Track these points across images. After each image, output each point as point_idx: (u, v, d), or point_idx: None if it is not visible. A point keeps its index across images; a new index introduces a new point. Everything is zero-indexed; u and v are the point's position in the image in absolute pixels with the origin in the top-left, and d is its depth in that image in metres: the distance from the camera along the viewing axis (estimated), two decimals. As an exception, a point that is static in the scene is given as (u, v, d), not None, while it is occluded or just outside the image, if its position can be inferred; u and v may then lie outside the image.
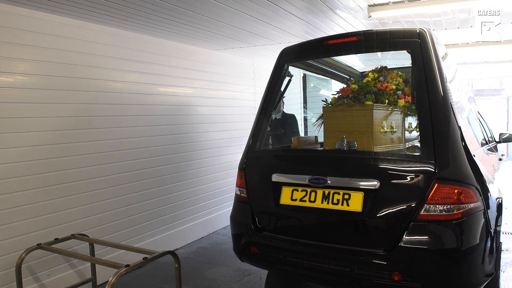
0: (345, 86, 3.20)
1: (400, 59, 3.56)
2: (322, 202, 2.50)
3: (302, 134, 7.06)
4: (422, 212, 2.21)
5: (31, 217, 3.13)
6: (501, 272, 3.04)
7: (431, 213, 2.19)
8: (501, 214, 2.80)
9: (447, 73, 2.53)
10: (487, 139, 3.80)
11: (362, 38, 2.74)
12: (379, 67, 3.25)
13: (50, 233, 3.24)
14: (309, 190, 2.56)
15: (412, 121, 3.07)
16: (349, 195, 2.43)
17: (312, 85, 7.68)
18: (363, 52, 3.32)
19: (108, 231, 3.77)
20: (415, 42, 2.50)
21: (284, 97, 3.73)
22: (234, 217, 2.95)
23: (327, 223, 2.52)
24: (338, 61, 3.92)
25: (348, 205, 2.43)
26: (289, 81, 3.25)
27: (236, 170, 3.07)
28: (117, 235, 3.82)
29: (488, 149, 3.53)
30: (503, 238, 3.93)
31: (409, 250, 2.20)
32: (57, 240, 3.02)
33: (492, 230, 2.43)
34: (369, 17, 3.90)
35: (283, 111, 4.34)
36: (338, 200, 2.46)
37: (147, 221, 4.21)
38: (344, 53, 3.34)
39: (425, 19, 4.15)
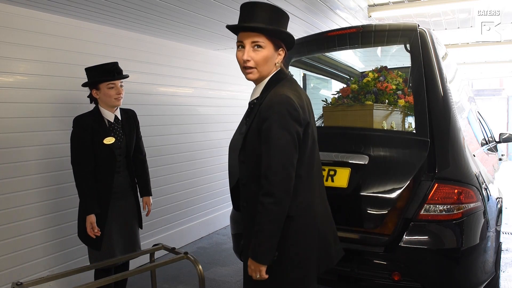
0: (345, 86, 3.20)
1: (400, 59, 3.56)
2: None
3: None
4: (422, 212, 2.21)
5: (31, 217, 3.13)
6: (501, 272, 3.04)
7: (431, 213, 2.19)
8: (501, 214, 2.80)
9: (447, 73, 2.53)
10: (487, 139, 3.80)
11: (361, 30, 2.76)
12: (379, 67, 3.25)
13: (55, 231, 3.25)
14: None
15: (412, 121, 3.07)
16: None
17: (312, 85, 7.67)
18: (360, 47, 3.31)
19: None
20: (414, 36, 2.50)
21: None
22: (234, 217, 2.94)
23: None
24: (338, 60, 3.92)
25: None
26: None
27: (236, 170, 3.06)
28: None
29: (488, 149, 3.53)
30: (503, 238, 3.92)
31: (409, 250, 2.20)
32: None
33: (492, 230, 2.43)
34: (369, 17, 3.91)
35: None
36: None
37: (147, 221, 4.19)
38: (342, 46, 3.34)
39: (425, 19, 4.15)
